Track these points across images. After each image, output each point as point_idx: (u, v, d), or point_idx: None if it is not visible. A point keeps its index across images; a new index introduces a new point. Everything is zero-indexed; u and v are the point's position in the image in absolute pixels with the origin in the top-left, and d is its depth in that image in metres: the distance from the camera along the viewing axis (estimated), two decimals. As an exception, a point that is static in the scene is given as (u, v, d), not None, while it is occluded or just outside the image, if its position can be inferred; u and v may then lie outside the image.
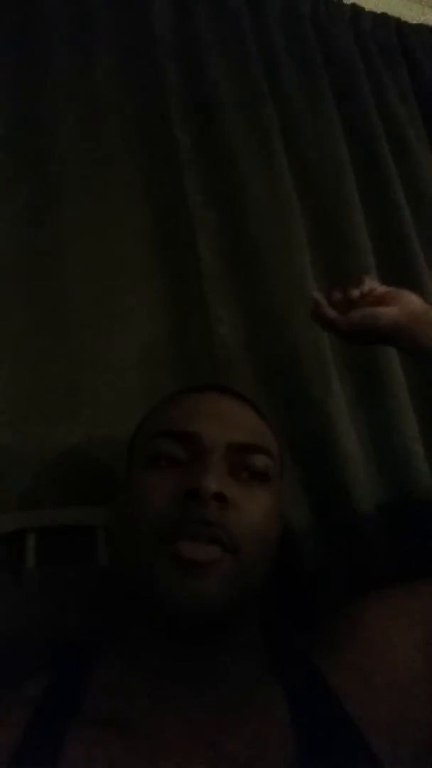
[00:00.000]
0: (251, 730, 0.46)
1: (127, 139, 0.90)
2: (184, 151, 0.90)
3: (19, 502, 0.72)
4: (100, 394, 0.77)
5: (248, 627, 0.54)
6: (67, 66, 0.90)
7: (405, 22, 1.22)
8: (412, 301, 0.67)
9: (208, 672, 0.50)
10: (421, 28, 1.24)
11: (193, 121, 0.93)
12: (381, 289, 0.69)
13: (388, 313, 0.65)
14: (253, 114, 0.95)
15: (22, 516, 0.71)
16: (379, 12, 1.20)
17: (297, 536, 0.74)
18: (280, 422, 0.79)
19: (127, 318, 0.82)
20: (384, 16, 1.20)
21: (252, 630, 0.55)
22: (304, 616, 0.69)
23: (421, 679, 0.50)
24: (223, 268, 0.87)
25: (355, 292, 0.67)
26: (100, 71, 0.91)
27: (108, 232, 0.85)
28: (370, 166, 1.01)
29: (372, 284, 0.69)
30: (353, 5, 1.17)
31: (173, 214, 0.88)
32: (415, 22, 1.24)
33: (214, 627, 0.49)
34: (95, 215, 0.85)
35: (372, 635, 0.52)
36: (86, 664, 0.53)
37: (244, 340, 0.84)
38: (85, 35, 0.92)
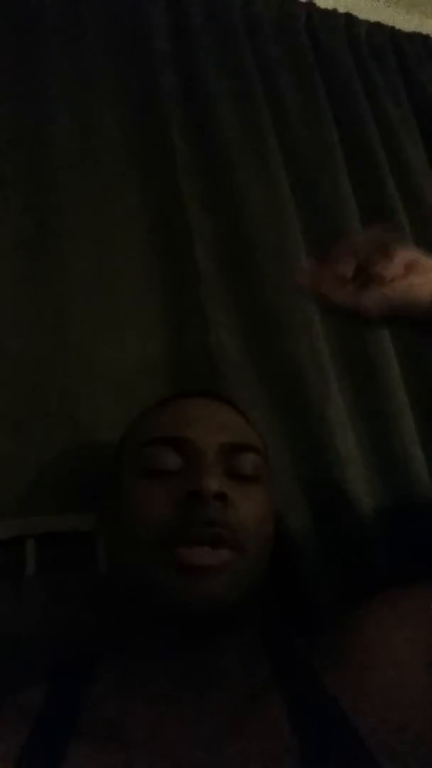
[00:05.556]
0: (251, 734, 0.46)
1: (125, 145, 0.91)
2: (182, 158, 0.91)
3: (19, 508, 0.71)
4: (99, 399, 0.77)
5: (249, 630, 0.54)
6: (64, 73, 0.90)
7: (399, 31, 1.23)
8: None
9: (208, 676, 0.50)
10: (415, 36, 1.25)
11: (190, 128, 0.93)
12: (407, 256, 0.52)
13: None
14: (249, 121, 0.96)
15: (21, 522, 0.71)
16: (373, 21, 1.20)
17: (297, 539, 0.74)
18: (278, 426, 0.81)
19: (125, 324, 0.83)
20: (378, 25, 1.21)
21: (252, 633, 0.55)
22: (304, 619, 0.69)
23: (423, 684, 0.50)
24: (221, 274, 0.87)
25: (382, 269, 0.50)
26: (97, 78, 0.92)
27: (106, 238, 0.85)
28: (365, 171, 1.02)
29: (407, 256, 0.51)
30: (348, 14, 1.17)
31: (171, 220, 0.89)
32: (408, 30, 1.25)
33: (220, 627, 0.50)
34: (93, 222, 0.85)
35: (373, 639, 0.52)
36: (86, 671, 0.53)
37: (242, 345, 0.84)
38: (81, 42, 0.93)
